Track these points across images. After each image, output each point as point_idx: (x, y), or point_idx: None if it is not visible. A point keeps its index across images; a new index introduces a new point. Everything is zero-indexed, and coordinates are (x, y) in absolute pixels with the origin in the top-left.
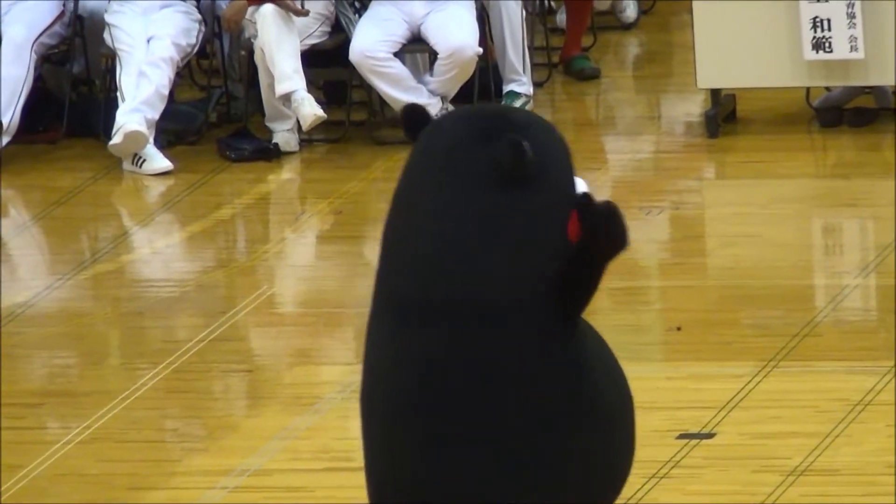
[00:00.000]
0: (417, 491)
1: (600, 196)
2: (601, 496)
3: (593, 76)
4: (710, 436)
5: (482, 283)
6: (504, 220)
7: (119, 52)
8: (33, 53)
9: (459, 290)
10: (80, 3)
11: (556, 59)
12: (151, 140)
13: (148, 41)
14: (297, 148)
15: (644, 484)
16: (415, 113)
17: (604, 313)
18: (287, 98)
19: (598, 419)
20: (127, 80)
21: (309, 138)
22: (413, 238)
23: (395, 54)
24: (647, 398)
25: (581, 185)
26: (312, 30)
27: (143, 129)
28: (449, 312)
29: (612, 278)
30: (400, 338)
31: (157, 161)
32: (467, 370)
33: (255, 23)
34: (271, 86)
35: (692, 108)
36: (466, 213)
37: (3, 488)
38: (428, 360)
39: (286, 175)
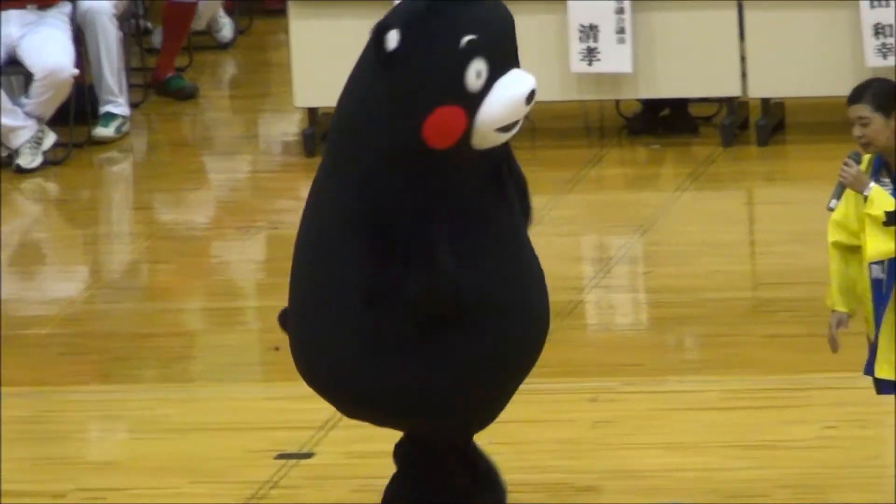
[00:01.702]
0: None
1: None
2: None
3: (190, 96)
4: (308, 455)
5: (354, 144)
6: (374, 98)
7: None
8: None
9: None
10: None
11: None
12: None
13: None
14: None
15: None
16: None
17: (202, 335)
18: None
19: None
20: None
21: None
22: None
23: None
24: (245, 418)
25: (522, 81)
26: None
27: None
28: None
29: (210, 299)
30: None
31: None
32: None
33: None
34: None
35: (289, 127)
36: (353, 86)
37: None
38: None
39: None
